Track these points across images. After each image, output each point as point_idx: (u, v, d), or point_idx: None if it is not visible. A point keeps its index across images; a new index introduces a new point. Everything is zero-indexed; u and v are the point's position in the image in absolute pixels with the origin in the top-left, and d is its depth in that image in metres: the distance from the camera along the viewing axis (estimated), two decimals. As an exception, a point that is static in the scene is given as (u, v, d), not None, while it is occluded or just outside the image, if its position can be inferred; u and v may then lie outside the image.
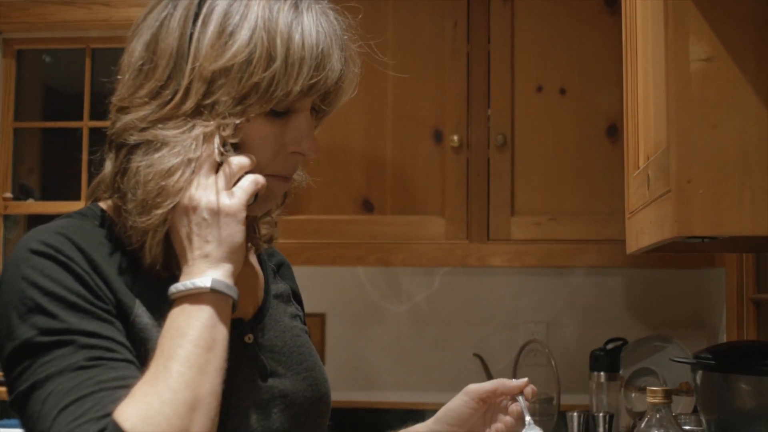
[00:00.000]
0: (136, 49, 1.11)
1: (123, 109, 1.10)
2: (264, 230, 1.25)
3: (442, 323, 2.86)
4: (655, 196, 1.24)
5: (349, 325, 2.90)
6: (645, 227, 1.38)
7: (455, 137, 2.53)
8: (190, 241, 1.05)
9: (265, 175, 1.11)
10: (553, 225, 2.49)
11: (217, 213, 1.04)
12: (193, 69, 1.06)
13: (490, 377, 2.69)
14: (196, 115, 1.07)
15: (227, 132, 1.07)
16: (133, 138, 1.07)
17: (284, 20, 1.07)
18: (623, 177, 1.67)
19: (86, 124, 3.06)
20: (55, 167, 3.31)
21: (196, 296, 1.02)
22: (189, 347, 0.99)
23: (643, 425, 1.49)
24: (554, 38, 2.53)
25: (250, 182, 1.07)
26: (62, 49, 3.22)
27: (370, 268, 2.85)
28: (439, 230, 2.54)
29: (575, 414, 2.48)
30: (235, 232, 1.05)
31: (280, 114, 1.11)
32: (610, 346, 2.61)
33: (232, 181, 1.07)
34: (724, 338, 2.44)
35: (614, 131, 2.48)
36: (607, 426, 2.41)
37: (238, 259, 1.07)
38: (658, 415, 1.48)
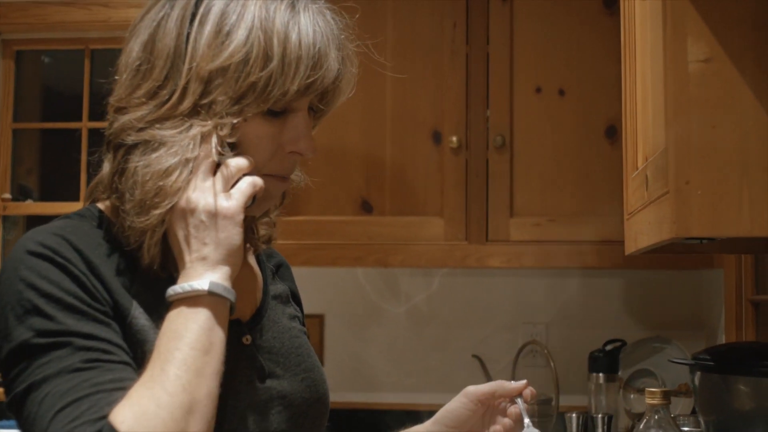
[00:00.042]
0: (133, 50, 1.11)
1: (120, 110, 1.10)
2: (262, 231, 1.25)
3: (441, 324, 2.86)
4: (654, 197, 1.24)
5: (348, 326, 2.90)
6: (644, 228, 1.38)
7: (454, 138, 2.53)
8: (187, 243, 1.05)
9: (262, 175, 1.11)
10: (552, 226, 2.49)
11: (214, 215, 1.04)
12: (190, 69, 1.06)
13: (489, 378, 2.69)
14: (194, 114, 1.07)
15: (224, 131, 1.07)
16: (131, 138, 1.07)
17: (281, 20, 1.07)
18: (622, 178, 1.67)
19: (85, 125, 3.06)
20: (54, 168, 3.31)
21: (193, 299, 1.02)
22: (186, 350, 0.99)
23: (641, 426, 1.49)
24: (553, 39, 2.53)
25: (247, 184, 1.07)
26: (61, 50, 3.22)
27: (369, 269, 2.85)
28: (438, 231, 2.54)
29: (574, 415, 2.48)
30: (233, 234, 1.05)
31: (277, 114, 1.11)
32: (608, 347, 2.61)
33: (230, 184, 1.07)
34: (722, 339, 2.44)
35: (613, 132, 2.48)
36: (605, 427, 2.41)
37: (236, 261, 1.07)
38: (656, 417, 1.48)
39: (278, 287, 1.31)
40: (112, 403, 0.95)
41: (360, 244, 2.56)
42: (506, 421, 1.33)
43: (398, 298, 2.88)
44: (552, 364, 2.70)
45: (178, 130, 1.06)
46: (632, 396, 2.55)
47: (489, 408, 1.35)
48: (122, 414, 0.93)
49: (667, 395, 1.49)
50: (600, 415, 2.43)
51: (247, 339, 1.18)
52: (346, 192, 2.58)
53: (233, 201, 1.06)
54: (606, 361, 2.57)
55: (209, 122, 1.06)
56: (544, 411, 2.58)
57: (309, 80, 1.08)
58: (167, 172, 1.05)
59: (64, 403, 0.95)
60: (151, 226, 1.06)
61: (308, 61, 1.07)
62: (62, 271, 1.03)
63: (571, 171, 2.51)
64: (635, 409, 2.54)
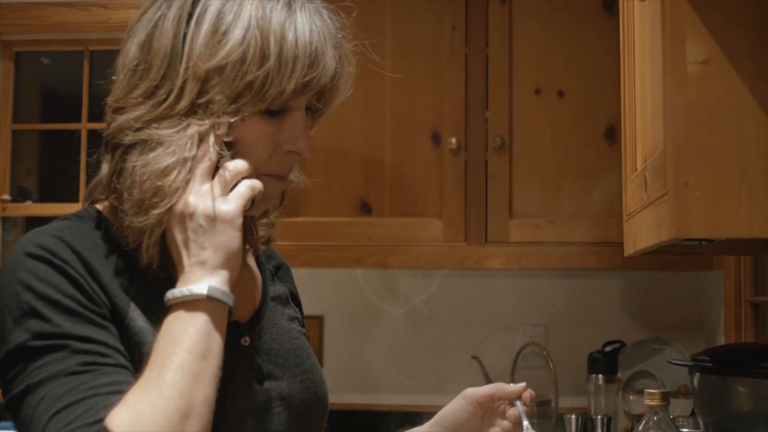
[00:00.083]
0: (130, 50, 1.11)
1: (118, 110, 1.10)
2: (262, 232, 1.25)
3: (440, 325, 2.86)
4: (653, 198, 1.25)
5: (348, 328, 2.90)
6: (642, 230, 1.38)
7: (453, 140, 2.53)
8: (186, 247, 1.05)
9: (260, 175, 1.11)
10: (551, 227, 2.50)
11: (213, 219, 1.04)
12: (187, 68, 1.06)
13: (488, 379, 2.69)
14: (191, 114, 1.07)
15: (221, 131, 1.07)
16: (128, 138, 1.08)
17: (277, 19, 1.07)
18: (621, 179, 1.67)
19: (84, 126, 3.06)
20: (53, 169, 3.31)
21: (192, 303, 1.02)
22: (183, 354, 0.99)
23: (640, 428, 1.49)
24: (552, 41, 2.54)
25: (246, 188, 1.07)
26: (61, 51, 3.22)
27: (368, 270, 2.84)
28: (438, 232, 2.54)
29: (573, 416, 2.48)
30: (232, 238, 1.05)
31: (275, 113, 1.11)
32: (608, 348, 2.61)
33: (229, 187, 1.07)
34: (722, 341, 2.44)
35: (612, 134, 2.48)
36: (605, 428, 2.41)
37: (235, 265, 1.07)
38: (655, 418, 1.48)
39: (277, 288, 1.31)
40: (109, 407, 0.95)
41: (359, 245, 2.56)
42: (505, 423, 1.33)
43: (398, 300, 2.88)
44: (551, 365, 2.70)
45: (175, 129, 1.06)
46: (631, 397, 2.55)
47: (488, 410, 1.35)
48: (118, 418, 0.93)
49: (666, 396, 1.48)
50: (599, 417, 2.43)
51: (245, 341, 1.17)
52: (345, 193, 2.58)
53: (232, 205, 1.05)
54: (605, 362, 2.57)
55: (206, 121, 1.06)
56: (543, 412, 2.58)
57: (306, 79, 1.08)
58: (165, 172, 1.05)
59: (61, 406, 0.95)
60: (149, 225, 1.06)
61: (305, 60, 1.08)
62: (60, 273, 1.03)
63: (571, 172, 2.51)
64: (634, 411, 2.54)
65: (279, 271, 1.36)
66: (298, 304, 1.36)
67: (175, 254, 1.06)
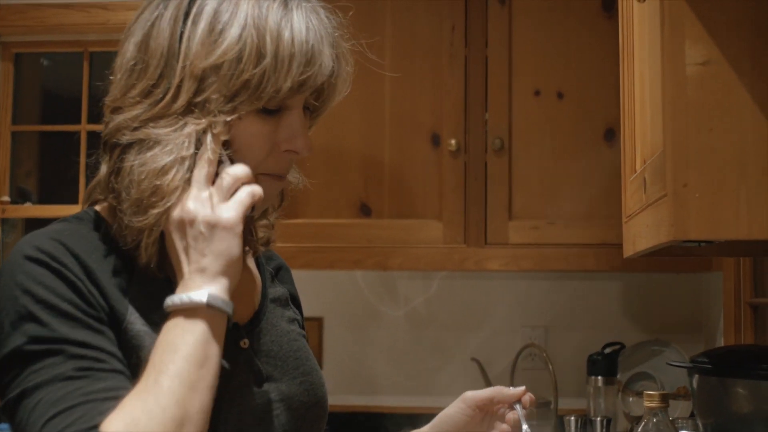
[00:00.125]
0: (128, 50, 1.11)
1: (116, 110, 1.10)
2: (261, 233, 1.25)
3: (439, 327, 2.86)
4: (652, 200, 1.24)
5: (347, 329, 2.90)
6: (642, 231, 1.38)
7: (453, 141, 2.53)
8: (186, 254, 1.04)
9: (258, 174, 1.11)
10: (551, 229, 2.49)
11: (213, 227, 1.04)
12: (183, 67, 1.07)
13: (487, 381, 2.69)
14: (188, 113, 1.07)
15: (218, 129, 1.07)
16: (126, 138, 1.08)
17: (273, 18, 1.08)
18: (620, 181, 1.67)
19: (84, 127, 3.06)
20: (52, 171, 3.31)
21: (191, 310, 1.02)
22: (181, 363, 0.99)
23: (640, 429, 1.49)
24: (552, 42, 2.54)
25: (246, 194, 1.07)
26: (60, 53, 3.22)
27: (367, 272, 2.84)
28: (437, 234, 2.54)
29: (573, 418, 2.48)
30: (232, 245, 1.05)
31: (272, 112, 1.11)
32: (607, 350, 2.61)
33: (229, 193, 1.06)
34: (721, 342, 2.44)
35: (611, 135, 2.48)
36: (604, 430, 2.41)
37: (235, 272, 1.06)
38: (655, 420, 1.48)
39: (277, 290, 1.31)
40: (104, 413, 0.95)
41: (359, 247, 2.56)
42: (504, 427, 1.33)
43: (397, 301, 2.88)
44: (551, 367, 2.70)
45: (172, 128, 1.06)
46: (631, 399, 2.55)
47: (487, 413, 1.34)
48: (114, 425, 0.93)
49: (665, 398, 1.48)
50: (599, 418, 2.43)
51: (244, 343, 1.17)
52: (344, 195, 2.58)
53: (232, 212, 1.05)
54: (605, 364, 2.57)
55: (203, 120, 1.06)
56: (543, 414, 2.58)
57: (302, 77, 1.08)
58: (163, 171, 1.05)
59: (55, 411, 0.95)
60: (148, 225, 1.06)
61: (301, 58, 1.08)
62: (58, 277, 1.03)
63: (570, 174, 2.51)
64: (634, 412, 2.54)
65: (279, 273, 1.36)
66: (298, 306, 1.36)
67: (174, 260, 1.06)
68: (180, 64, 1.07)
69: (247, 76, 1.06)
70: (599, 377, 2.56)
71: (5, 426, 1.02)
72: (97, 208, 1.16)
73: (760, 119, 1.07)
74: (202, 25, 1.07)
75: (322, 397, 1.25)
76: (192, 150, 1.06)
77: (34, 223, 3.12)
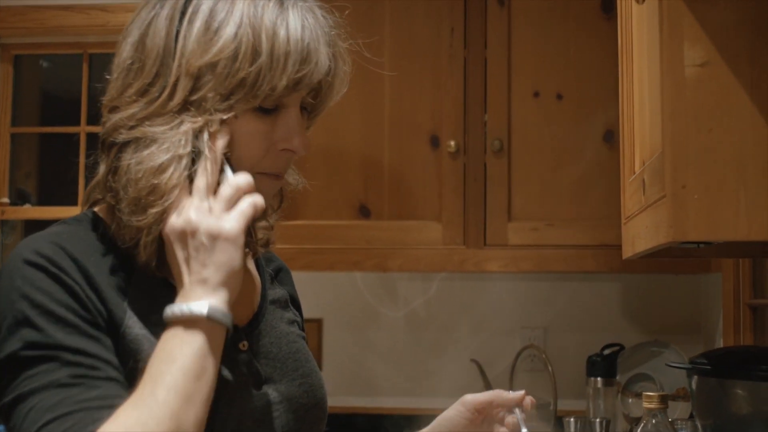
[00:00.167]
0: (125, 50, 1.12)
1: (113, 109, 1.11)
2: (260, 234, 1.25)
3: (439, 329, 2.86)
4: (651, 201, 1.25)
5: (347, 331, 2.90)
6: (641, 232, 1.38)
7: (452, 143, 2.53)
8: (188, 264, 1.04)
9: (255, 173, 1.11)
10: (550, 230, 2.50)
11: (216, 238, 1.03)
12: (179, 65, 1.07)
13: (487, 382, 2.69)
14: (184, 111, 1.07)
15: (215, 128, 1.07)
16: (122, 136, 1.08)
17: (269, 17, 1.08)
18: (620, 182, 1.67)
19: (83, 129, 3.06)
20: (52, 172, 3.31)
21: (190, 321, 1.01)
22: (177, 375, 0.98)
23: (639, 430, 1.49)
24: (551, 44, 2.54)
25: (249, 205, 1.06)
26: (60, 54, 3.22)
27: (367, 273, 2.84)
28: (436, 236, 2.54)
29: (572, 419, 2.48)
30: (234, 257, 1.04)
31: (269, 111, 1.11)
32: (607, 351, 2.61)
33: (231, 204, 1.06)
34: (720, 343, 2.44)
35: (611, 136, 2.48)
36: (603, 431, 2.41)
37: (236, 284, 1.06)
38: (654, 421, 1.48)
39: (277, 292, 1.30)
40: (97, 421, 0.95)
41: (358, 248, 2.56)
42: (503, 430, 1.33)
43: (396, 303, 2.88)
44: (550, 368, 2.70)
45: (168, 126, 1.06)
46: (630, 400, 2.55)
47: (486, 417, 1.34)
48: None
49: (664, 399, 1.48)
50: (598, 420, 2.43)
51: (243, 345, 1.17)
52: (344, 196, 2.58)
53: (235, 223, 1.04)
54: (604, 365, 2.57)
55: (200, 119, 1.07)
56: (542, 415, 2.58)
57: (298, 75, 1.08)
58: (160, 169, 1.05)
59: (48, 418, 0.95)
60: (147, 224, 1.06)
61: (296, 57, 1.08)
62: (56, 282, 1.03)
63: (569, 175, 2.51)
64: (633, 414, 2.54)
65: (279, 275, 1.36)
66: (298, 308, 1.36)
67: (175, 270, 1.05)
68: (176, 63, 1.07)
69: (243, 74, 1.06)
70: (598, 378, 2.56)
71: (2, 428, 1.03)
72: (96, 209, 1.16)
73: (758, 120, 1.07)
74: (198, 23, 1.08)
75: (321, 399, 1.25)
76: (189, 148, 1.06)
77: (33, 225, 3.12)
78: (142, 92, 1.09)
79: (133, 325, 1.06)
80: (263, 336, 1.21)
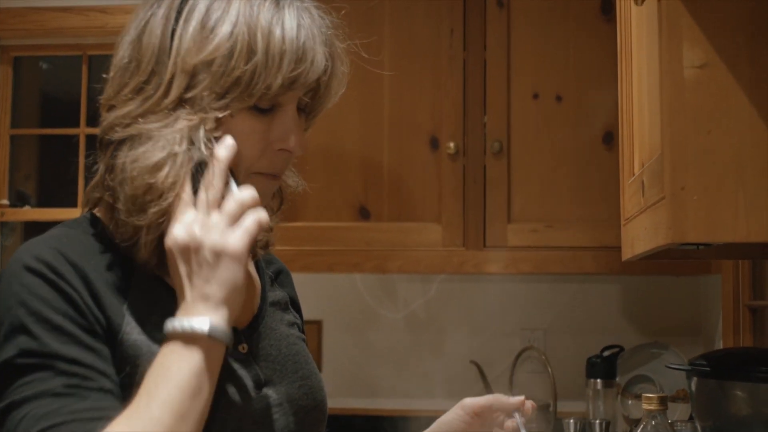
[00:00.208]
0: (122, 49, 1.13)
1: (111, 108, 1.11)
2: (260, 236, 1.25)
3: (438, 330, 2.86)
4: (650, 202, 1.25)
5: (346, 332, 2.90)
6: (640, 234, 1.38)
7: (451, 144, 2.53)
8: (190, 280, 1.02)
9: (252, 173, 1.11)
10: (550, 232, 2.49)
11: (220, 255, 1.01)
12: (175, 63, 1.07)
13: (487, 384, 2.69)
14: (179, 108, 1.07)
15: (210, 126, 1.07)
16: (118, 134, 1.08)
17: (265, 16, 1.08)
18: (619, 184, 1.67)
19: (83, 131, 3.06)
20: (51, 174, 3.31)
21: (190, 338, 1.00)
22: (174, 391, 0.97)
23: (638, 432, 1.49)
24: (550, 45, 2.54)
25: (254, 223, 1.04)
26: (59, 56, 3.22)
27: (366, 275, 2.84)
28: (436, 237, 2.54)
29: (572, 421, 2.48)
30: (238, 275, 1.02)
31: (265, 111, 1.11)
32: (606, 353, 2.61)
33: (235, 219, 1.04)
34: (720, 345, 2.44)
35: (610, 138, 2.48)
36: (603, 433, 2.41)
37: (238, 302, 1.05)
38: (653, 422, 1.48)
39: (277, 294, 1.30)
40: None
41: (358, 250, 2.56)
42: None
43: (396, 304, 2.88)
44: (550, 369, 2.70)
45: (163, 123, 1.07)
46: (630, 402, 2.55)
47: (486, 420, 1.34)
48: None
49: (664, 401, 1.48)
50: (598, 421, 2.43)
51: (243, 347, 1.17)
52: (343, 198, 2.58)
53: (239, 241, 1.02)
54: (604, 366, 2.57)
55: (195, 117, 1.06)
56: (542, 417, 2.58)
57: (293, 74, 1.08)
58: (156, 168, 1.05)
59: (41, 427, 0.95)
60: (148, 224, 1.06)
61: (291, 55, 1.08)
62: (54, 289, 1.02)
63: (569, 177, 2.51)
64: (633, 415, 2.54)
65: (279, 277, 1.35)
66: (298, 310, 1.36)
67: (177, 282, 1.04)
68: (171, 60, 1.08)
69: (239, 73, 1.06)
70: (598, 380, 2.56)
71: None
72: (96, 211, 1.16)
73: (757, 122, 1.07)
74: (194, 22, 1.08)
75: (321, 401, 1.25)
76: (184, 146, 1.06)
77: (33, 227, 3.12)
78: (138, 90, 1.09)
79: (131, 331, 1.06)
80: (263, 338, 1.21)
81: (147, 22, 1.11)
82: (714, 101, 1.08)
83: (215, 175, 1.05)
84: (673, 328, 2.76)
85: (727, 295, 2.34)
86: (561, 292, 2.82)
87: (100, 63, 3.05)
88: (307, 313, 1.45)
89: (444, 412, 1.37)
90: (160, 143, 1.05)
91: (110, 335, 1.05)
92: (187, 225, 1.02)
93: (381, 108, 2.58)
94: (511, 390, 2.73)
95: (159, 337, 1.03)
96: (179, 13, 1.09)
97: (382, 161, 2.57)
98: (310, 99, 1.16)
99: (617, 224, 1.71)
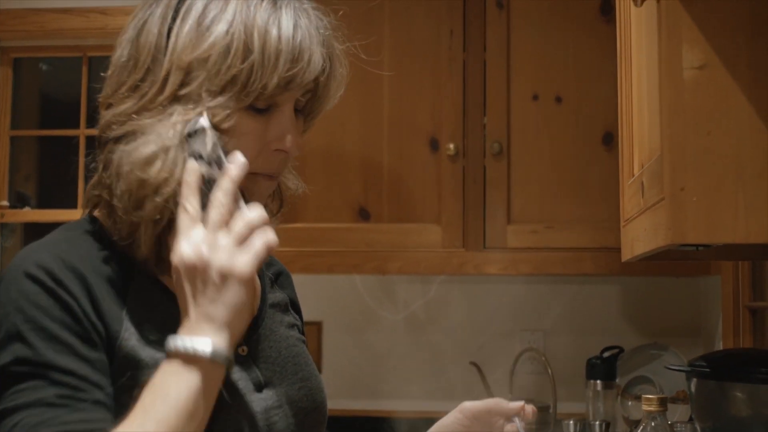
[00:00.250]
0: (120, 48, 1.13)
1: (109, 106, 1.12)
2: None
3: (438, 331, 2.86)
4: (650, 203, 1.24)
5: (346, 333, 2.90)
6: (640, 235, 1.38)
7: (451, 145, 2.53)
8: (195, 299, 1.00)
9: (249, 173, 1.11)
10: (549, 233, 2.50)
11: (227, 277, 0.99)
12: (170, 60, 1.08)
13: (486, 385, 2.69)
14: (173, 104, 1.07)
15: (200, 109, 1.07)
16: (114, 132, 1.09)
17: (261, 16, 1.09)
18: (619, 185, 1.67)
19: (83, 132, 3.06)
20: (51, 175, 3.31)
21: (191, 358, 0.98)
22: (171, 412, 0.96)
23: (638, 433, 1.49)
24: (550, 46, 2.54)
25: (263, 246, 1.01)
26: (59, 57, 3.23)
27: (366, 276, 2.84)
28: (436, 238, 2.54)
29: (572, 422, 2.48)
30: (244, 298, 1.00)
31: (262, 111, 1.11)
32: (606, 354, 2.61)
33: (242, 239, 1.01)
34: (720, 346, 2.44)
35: (610, 139, 2.48)
36: (603, 434, 2.41)
37: (242, 325, 1.03)
38: (653, 423, 1.48)
39: (277, 296, 1.30)
40: None
41: (358, 251, 2.56)
42: None
43: (396, 305, 2.88)
44: (550, 371, 2.70)
45: (157, 118, 1.07)
46: (630, 403, 2.55)
47: (485, 424, 1.34)
48: None
49: (663, 402, 1.48)
50: (598, 422, 2.43)
51: (243, 349, 1.17)
52: (343, 199, 2.58)
53: (247, 265, 1.00)
54: (603, 368, 2.57)
55: (190, 113, 1.06)
56: (542, 418, 2.58)
57: (289, 73, 1.08)
58: (147, 162, 1.05)
59: None
60: (145, 219, 1.06)
61: (287, 55, 1.08)
62: (52, 297, 1.02)
63: (568, 178, 2.51)
64: (633, 416, 2.54)
65: (279, 278, 1.35)
66: (298, 312, 1.36)
67: (182, 302, 1.02)
68: (167, 58, 1.08)
69: (235, 72, 1.06)
70: (598, 381, 2.56)
71: None
72: (96, 213, 1.16)
73: (757, 123, 1.07)
74: (191, 21, 1.09)
75: (321, 402, 1.25)
76: (177, 140, 1.05)
77: (33, 228, 3.12)
78: (135, 88, 1.10)
79: (130, 337, 1.06)
80: (263, 340, 1.21)
81: (145, 21, 1.12)
82: (713, 102, 1.07)
83: (225, 193, 1.02)
84: (673, 329, 2.76)
85: (727, 296, 2.34)
86: (561, 293, 2.82)
87: (100, 64, 3.03)
88: (307, 315, 1.45)
89: (444, 413, 1.37)
90: (152, 137, 1.06)
91: (108, 342, 1.05)
92: (195, 244, 1.00)
93: (381, 109, 2.58)
94: (511, 391, 2.73)
95: (157, 342, 1.03)
96: (176, 12, 1.10)
97: (381, 162, 2.57)
98: (308, 100, 1.16)
99: (617, 225, 1.71)
